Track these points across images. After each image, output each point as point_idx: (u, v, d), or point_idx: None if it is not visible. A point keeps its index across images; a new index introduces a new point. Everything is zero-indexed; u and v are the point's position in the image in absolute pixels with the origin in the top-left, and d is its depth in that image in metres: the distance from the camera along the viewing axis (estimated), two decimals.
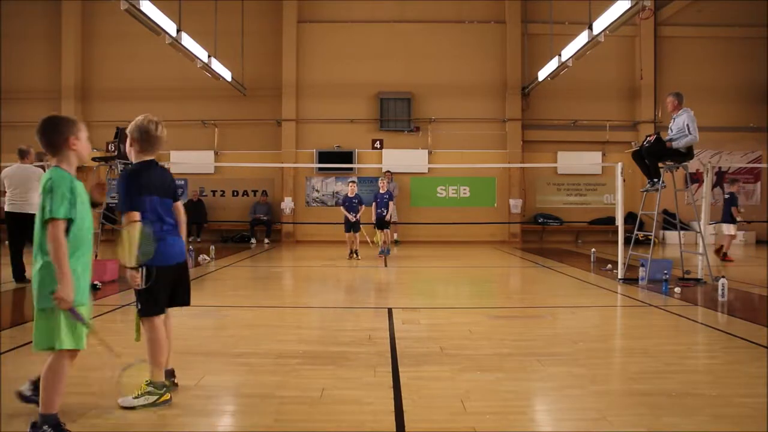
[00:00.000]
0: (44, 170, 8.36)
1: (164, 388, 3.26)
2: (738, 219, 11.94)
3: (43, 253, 2.74)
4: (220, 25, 15.39)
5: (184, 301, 3.59)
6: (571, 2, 15.00)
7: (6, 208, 8.13)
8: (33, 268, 2.78)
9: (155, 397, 3.19)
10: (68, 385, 3.55)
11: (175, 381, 3.49)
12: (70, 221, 2.74)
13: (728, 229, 11.83)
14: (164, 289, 3.40)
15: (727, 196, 12.07)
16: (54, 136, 2.82)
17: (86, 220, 2.87)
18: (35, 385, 2.74)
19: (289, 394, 3.43)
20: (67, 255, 2.69)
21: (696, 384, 3.68)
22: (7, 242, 8.20)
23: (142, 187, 3.33)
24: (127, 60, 17.56)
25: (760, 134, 17.87)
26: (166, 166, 3.74)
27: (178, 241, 3.49)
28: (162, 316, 3.43)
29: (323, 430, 2.95)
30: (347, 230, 12.08)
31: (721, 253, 11.71)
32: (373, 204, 12.53)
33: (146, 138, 3.41)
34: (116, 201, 17.52)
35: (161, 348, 3.33)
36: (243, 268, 10.61)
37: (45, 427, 2.71)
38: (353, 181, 12.77)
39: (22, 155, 8.25)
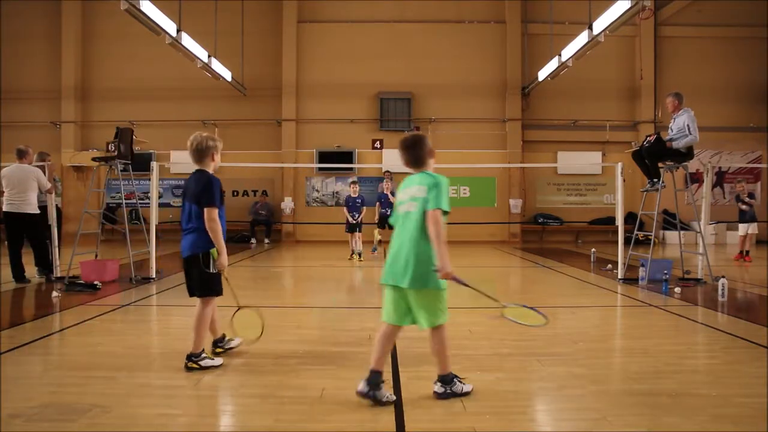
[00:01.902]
0: (43, 171, 8.39)
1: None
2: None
3: (427, 239, 3.19)
4: (220, 25, 15.38)
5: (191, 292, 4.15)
6: (571, 2, 14.99)
7: (4, 209, 8.09)
8: (414, 253, 3.21)
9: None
10: (68, 384, 3.58)
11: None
12: (445, 214, 3.21)
13: (753, 228, 11.96)
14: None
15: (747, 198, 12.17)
16: (423, 150, 3.41)
17: None
18: (368, 381, 3.25)
19: (289, 394, 3.43)
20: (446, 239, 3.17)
21: (696, 384, 3.68)
22: (6, 242, 8.17)
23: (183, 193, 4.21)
24: (127, 60, 17.55)
25: (760, 134, 17.87)
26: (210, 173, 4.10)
27: (184, 240, 4.07)
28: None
29: (323, 430, 2.95)
30: (349, 231, 12.07)
31: (743, 253, 11.82)
32: (377, 204, 12.51)
33: (190, 152, 4.04)
34: (116, 201, 17.25)
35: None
36: (243, 268, 10.60)
37: (455, 380, 3.36)
38: (355, 182, 12.72)
39: (21, 155, 8.19)
